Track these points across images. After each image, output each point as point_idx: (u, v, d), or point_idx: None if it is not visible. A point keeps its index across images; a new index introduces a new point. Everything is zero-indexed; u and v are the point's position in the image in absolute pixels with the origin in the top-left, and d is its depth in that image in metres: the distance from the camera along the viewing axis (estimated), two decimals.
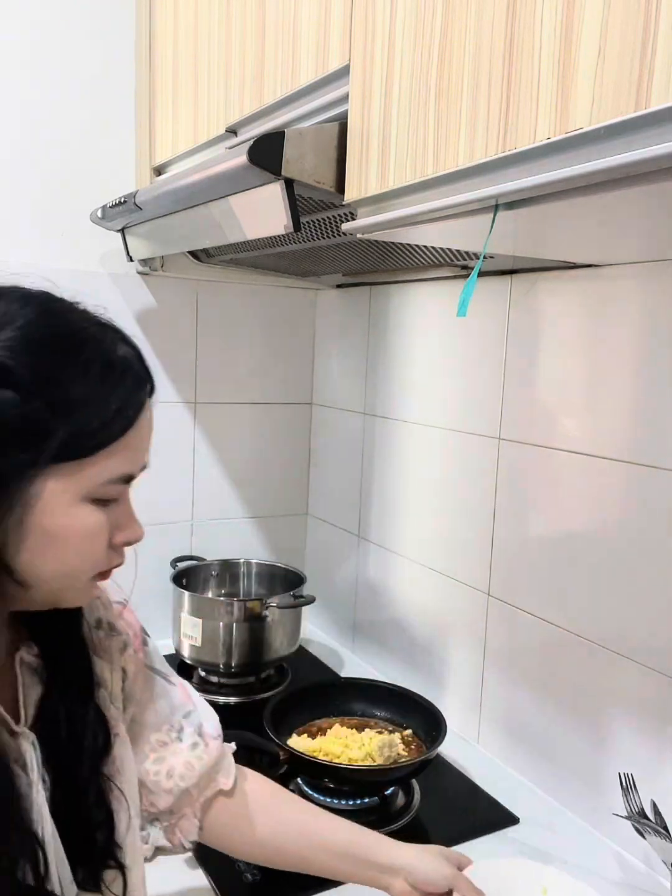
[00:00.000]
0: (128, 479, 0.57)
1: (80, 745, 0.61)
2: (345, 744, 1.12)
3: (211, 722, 0.77)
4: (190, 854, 0.97)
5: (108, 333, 0.58)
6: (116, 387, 0.55)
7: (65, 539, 0.54)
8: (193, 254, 1.50)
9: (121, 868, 0.63)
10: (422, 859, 0.77)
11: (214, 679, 1.45)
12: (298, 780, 1.11)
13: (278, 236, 1.06)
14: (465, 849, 1.01)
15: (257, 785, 0.81)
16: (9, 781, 0.55)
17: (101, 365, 0.55)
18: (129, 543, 0.60)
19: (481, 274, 0.71)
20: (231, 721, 1.32)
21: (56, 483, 0.53)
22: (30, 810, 0.57)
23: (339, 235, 1.05)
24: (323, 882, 0.92)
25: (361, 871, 0.77)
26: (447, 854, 0.79)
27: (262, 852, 0.79)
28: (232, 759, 0.79)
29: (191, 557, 1.61)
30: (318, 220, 1.01)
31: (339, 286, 1.64)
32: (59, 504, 0.53)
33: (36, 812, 0.58)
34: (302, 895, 0.92)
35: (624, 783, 0.94)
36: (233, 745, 0.80)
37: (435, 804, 1.11)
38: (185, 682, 0.79)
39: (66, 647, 0.63)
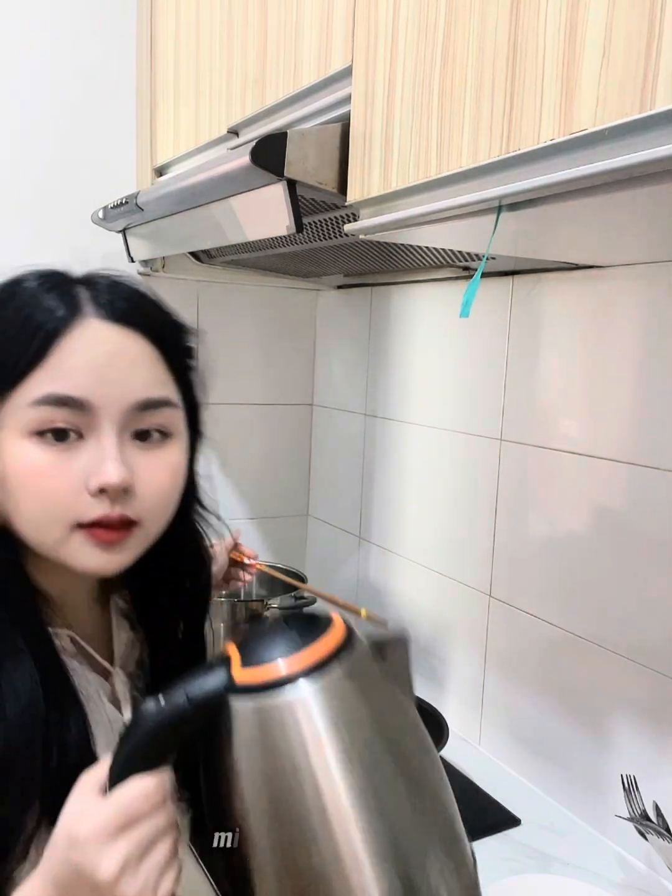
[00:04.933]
0: (59, 401, 0.54)
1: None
2: None
3: None
4: (190, 854, 0.97)
5: (30, 275, 0.58)
6: (22, 315, 0.55)
7: (17, 479, 0.54)
8: (195, 254, 1.50)
9: None
10: None
11: None
12: None
13: (280, 237, 1.06)
14: None
15: None
16: (82, 717, 0.57)
17: (6, 302, 0.57)
18: (101, 488, 0.54)
19: (483, 275, 0.71)
20: None
21: None
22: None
23: (342, 236, 1.04)
24: None
25: None
26: None
27: None
28: None
29: None
30: (320, 220, 1.01)
31: (340, 287, 1.64)
32: (5, 445, 0.54)
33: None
34: None
35: (626, 784, 0.94)
36: None
37: None
38: None
39: (154, 594, 0.66)
